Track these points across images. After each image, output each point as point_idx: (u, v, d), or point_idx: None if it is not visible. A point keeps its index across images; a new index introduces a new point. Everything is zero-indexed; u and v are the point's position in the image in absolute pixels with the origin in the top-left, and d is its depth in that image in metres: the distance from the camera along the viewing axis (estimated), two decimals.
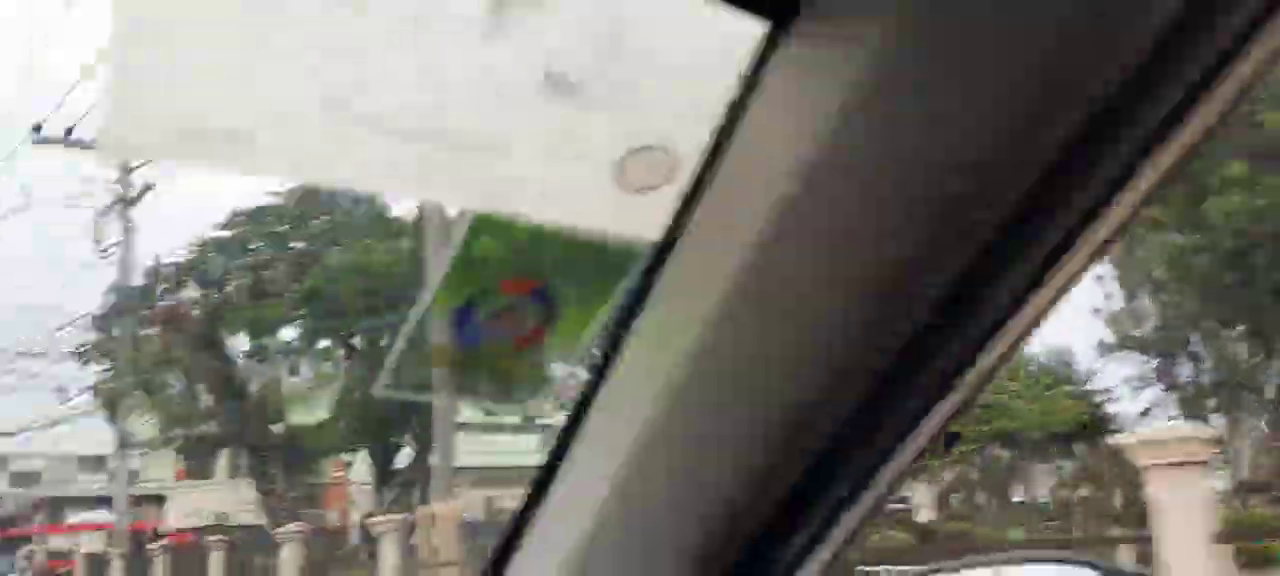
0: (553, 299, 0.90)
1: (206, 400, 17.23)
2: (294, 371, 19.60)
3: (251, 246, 28.48)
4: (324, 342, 22.67)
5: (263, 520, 16.56)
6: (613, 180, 0.78)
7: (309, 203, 30.02)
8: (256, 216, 29.15)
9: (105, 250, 23.86)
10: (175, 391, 17.55)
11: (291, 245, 29.12)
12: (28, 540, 55.64)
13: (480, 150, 0.78)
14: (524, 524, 0.91)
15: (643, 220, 0.75)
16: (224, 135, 0.73)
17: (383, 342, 25.17)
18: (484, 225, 0.86)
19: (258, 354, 19.66)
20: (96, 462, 68.84)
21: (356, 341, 23.61)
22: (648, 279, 0.76)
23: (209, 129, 0.72)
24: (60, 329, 23.21)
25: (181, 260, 25.14)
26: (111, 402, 21.16)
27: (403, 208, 27.30)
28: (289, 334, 22.23)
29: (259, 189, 26.95)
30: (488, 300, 0.89)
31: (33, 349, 25.09)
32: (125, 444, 22.20)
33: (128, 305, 21.43)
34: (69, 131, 22.41)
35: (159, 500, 37.56)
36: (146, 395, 18.25)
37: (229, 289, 21.20)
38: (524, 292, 0.90)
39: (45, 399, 31.15)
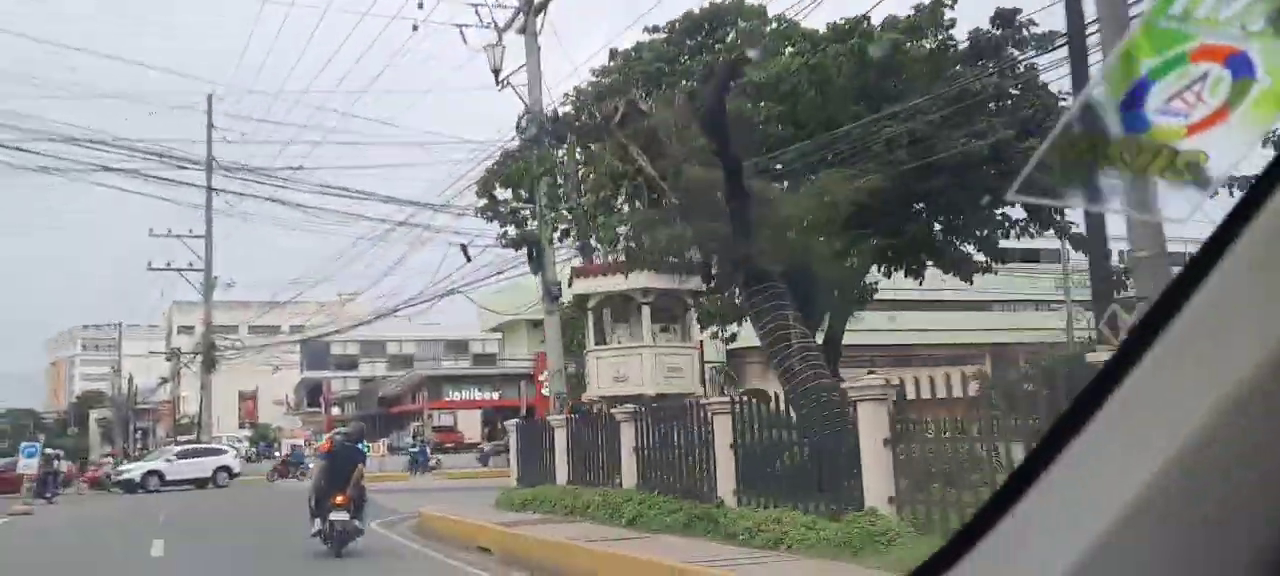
0: (1253, 68, 0.73)
1: (681, 226, 12.83)
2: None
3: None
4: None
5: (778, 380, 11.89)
6: None
7: (691, 33, 25.97)
8: (633, 54, 25.56)
9: (503, 79, 20.59)
10: (629, 217, 13.53)
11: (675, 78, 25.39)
12: (415, 416, 58.85)
13: None
14: (1041, 462, 0.82)
15: None
16: None
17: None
18: None
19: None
20: (461, 346, 72.37)
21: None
22: None
23: None
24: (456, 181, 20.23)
25: (562, 112, 21.75)
26: (534, 246, 17.99)
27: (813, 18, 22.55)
28: None
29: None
30: (1172, 72, 0.75)
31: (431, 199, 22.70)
32: (552, 296, 19.06)
33: (541, 131, 17.92)
34: None
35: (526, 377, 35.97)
36: (592, 225, 14.46)
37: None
38: (1219, 60, 0.74)
39: (441, 258, 29.71)
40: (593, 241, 15.96)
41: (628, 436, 14.47)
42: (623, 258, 14.91)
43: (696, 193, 12.60)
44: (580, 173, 15.67)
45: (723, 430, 11.80)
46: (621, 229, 13.83)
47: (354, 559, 13.41)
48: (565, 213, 16.08)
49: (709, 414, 12.17)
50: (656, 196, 12.95)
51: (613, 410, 15.32)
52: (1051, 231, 25.31)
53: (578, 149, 16.14)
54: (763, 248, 11.85)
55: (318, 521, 13.40)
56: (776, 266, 12.09)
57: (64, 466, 36.49)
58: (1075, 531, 0.79)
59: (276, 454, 47.99)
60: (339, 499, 13.09)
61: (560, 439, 17.11)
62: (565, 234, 17.41)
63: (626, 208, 13.91)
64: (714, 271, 12.84)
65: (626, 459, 14.46)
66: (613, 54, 25.31)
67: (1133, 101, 0.76)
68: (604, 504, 13.91)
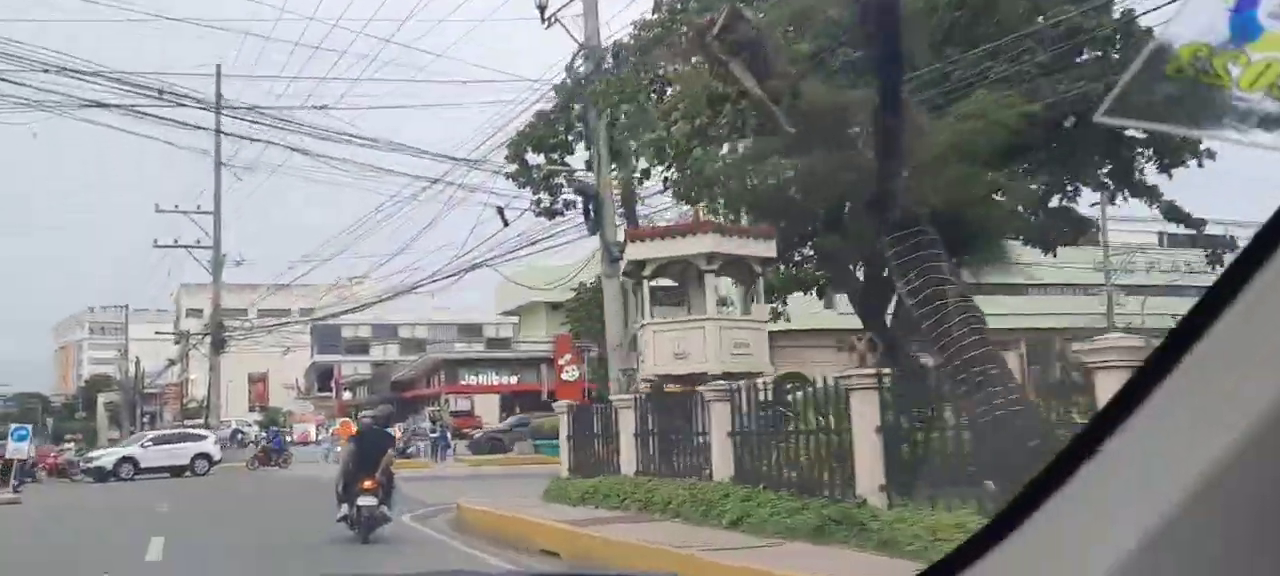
0: None
1: (803, 159, 10.35)
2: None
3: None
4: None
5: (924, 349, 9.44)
6: None
7: None
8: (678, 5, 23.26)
9: (550, 15, 18.13)
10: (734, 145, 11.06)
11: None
12: (429, 401, 56.62)
13: None
14: (1101, 434, 0.78)
15: None
16: None
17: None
18: None
19: None
20: (474, 329, 70.10)
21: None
22: None
23: None
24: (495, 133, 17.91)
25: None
26: (591, 201, 15.60)
27: None
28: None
29: None
30: None
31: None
32: (613, 257, 16.69)
33: (599, 66, 15.50)
34: None
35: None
36: (685, 160, 11.98)
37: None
38: None
39: (474, 222, 27.44)
40: (684, 183, 13.43)
41: (720, 418, 12.03)
42: (720, 203, 12.43)
43: (817, 117, 10.12)
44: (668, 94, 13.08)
45: (865, 410, 9.33)
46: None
47: (381, 545, 12.29)
48: (659, 133, 13.45)
49: (842, 389, 9.72)
50: (765, 123, 10.47)
51: (699, 388, 12.90)
52: (1144, 199, 22.72)
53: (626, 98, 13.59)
54: (910, 184, 9.38)
55: (344, 507, 12.71)
56: (923, 209, 9.64)
57: (33, 452, 33.36)
58: (1135, 507, 0.74)
59: (288, 438, 45.73)
60: (367, 484, 12.56)
61: (627, 421, 14.68)
62: (644, 175, 14.90)
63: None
64: (847, 215, 10.33)
65: (719, 445, 12.02)
66: (657, 4, 23.04)
67: (1243, 4, 0.66)
68: (692, 499, 11.49)
